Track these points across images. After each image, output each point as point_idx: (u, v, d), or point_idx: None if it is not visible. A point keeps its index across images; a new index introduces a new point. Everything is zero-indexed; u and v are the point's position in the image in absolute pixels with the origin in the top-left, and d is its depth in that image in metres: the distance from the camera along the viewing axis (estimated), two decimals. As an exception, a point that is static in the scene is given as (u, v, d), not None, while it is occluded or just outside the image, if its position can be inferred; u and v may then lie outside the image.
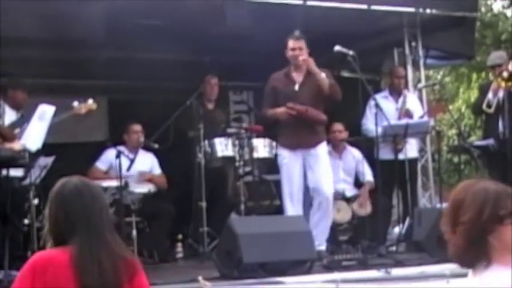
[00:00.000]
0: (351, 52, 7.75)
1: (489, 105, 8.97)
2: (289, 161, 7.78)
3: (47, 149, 7.31)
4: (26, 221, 7.10)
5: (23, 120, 7.49)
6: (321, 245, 7.49)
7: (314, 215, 7.68)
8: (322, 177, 7.68)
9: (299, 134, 7.68)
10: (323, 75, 7.63)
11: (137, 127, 8.63)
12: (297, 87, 7.80)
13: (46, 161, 7.25)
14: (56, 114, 7.40)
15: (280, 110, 7.69)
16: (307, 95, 7.73)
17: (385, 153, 8.90)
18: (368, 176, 9.02)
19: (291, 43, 7.77)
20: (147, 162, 8.62)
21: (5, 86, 7.81)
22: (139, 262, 3.24)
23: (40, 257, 3.11)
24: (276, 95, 7.85)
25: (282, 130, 7.84)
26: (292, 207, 7.68)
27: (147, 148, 8.54)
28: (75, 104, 7.62)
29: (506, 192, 2.81)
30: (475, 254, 2.79)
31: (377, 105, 8.04)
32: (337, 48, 7.77)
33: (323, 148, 7.82)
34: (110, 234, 3.17)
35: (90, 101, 7.71)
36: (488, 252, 2.77)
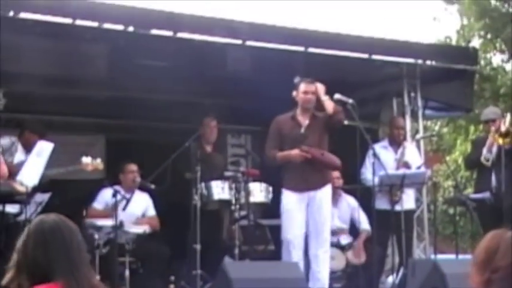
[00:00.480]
0: (350, 100, 7.80)
1: (486, 159, 9.02)
2: (294, 206, 7.72)
3: (43, 185, 7.30)
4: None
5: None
6: None
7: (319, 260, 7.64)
8: (325, 220, 7.68)
9: (307, 176, 7.67)
10: (326, 97, 7.69)
11: (133, 167, 8.62)
12: (303, 130, 7.83)
13: (42, 197, 7.25)
14: (63, 165, 7.45)
15: (294, 152, 7.69)
16: (313, 138, 7.75)
17: (381, 204, 8.91)
18: (364, 224, 9.01)
19: (303, 87, 7.81)
20: (142, 202, 8.60)
21: (23, 126, 7.92)
22: None
23: None
24: (281, 138, 7.87)
25: (289, 173, 7.81)
26: (293, 252, 7.62)
27: (143, 188, 8.53)
28: (84, 159, 7.62)
29: None
30: None
31: (374, 155, 8.07)
32: (337, 96, 7.82)
33: (328, 191, 7.81)
34: (88, 270, 3.18)
35: (99, 160, 7.71)
36: None
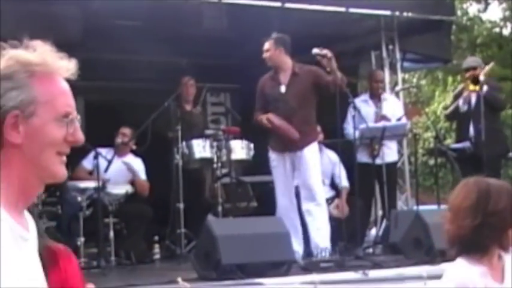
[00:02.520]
0: (329, 54, 7.72)
1: (457, 111, 9.14)
2: (278, 164, 7.78)
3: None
4: None
5: None
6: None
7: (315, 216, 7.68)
8: (310, 178, 7.69)
9: (284, 138, 7.67)
10: (333, 63, 7.62)
11: (123, 130, 8.55)
12: (283, 88, 7.78)
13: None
14: None
15: (262, 117, 7.69)
16: (293, 96, 7.71)
17: (363, 157, 8.95)
18: (344, 180, 9.03)
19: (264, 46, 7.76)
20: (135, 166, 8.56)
21: None
22: (65, 249, 3.29)
23: None
24: (264, 98, 7.85)
25: (271, 134, 7.84)
26: (287, 204, 7.70)
27: (137, 153, 8.50)
28: None
29: None
30: (491, 245, 2.94)
31: (355, 108, 8.06)
32: (315, 50, 7.76)
33: (310, 149, 7.79)
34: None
35: None
36: (501, 244, 2.94)
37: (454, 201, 3.01)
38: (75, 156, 8.49)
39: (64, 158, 1.94)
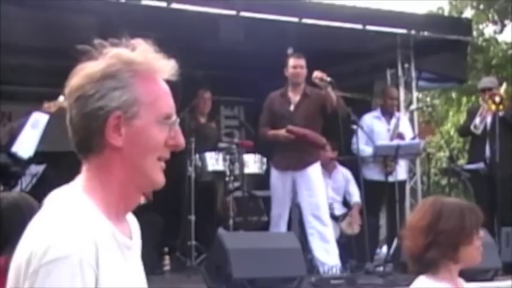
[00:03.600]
0: (329, 79, 7.64)
1: (476, 128, 9.06)
2: (277, 182, 7.82)
3: (38, 157, 7.28)
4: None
5: None
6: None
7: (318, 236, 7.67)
8: (316, 196, 7.69)
9: (289, 155, 7.67)
10: (328, 89, 7.61)
11: None
12: (292, 107, 7.80)
13: (37, 169, 7.23)
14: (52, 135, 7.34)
15: (281, 133, 7.68)
16: (302, 116, 7.72)
17: (374, 174, 8.95)
18: (355, 197, 9.02)
19: (292, 61, 7.76)
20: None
21: None
22: None
23: None
24: (272, 114, 7.85)
25: (275, 151, 7.86)
26: (276, 226, 7.76)
27: None
28: (45, 104, 7.43)
29: (474, 208, 3.18)
30: (444, 262, 3.07)
31: (356, 124, 7.94)
32: (317, 74, 7.66)
33: (315, 169, 7.80)
34: None
35: (61, 98, 7.16)
36: (455, 260, 3.08)
37: (411, 220, 3.17)
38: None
39: (163, 164, 1.85)
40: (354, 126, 7.80)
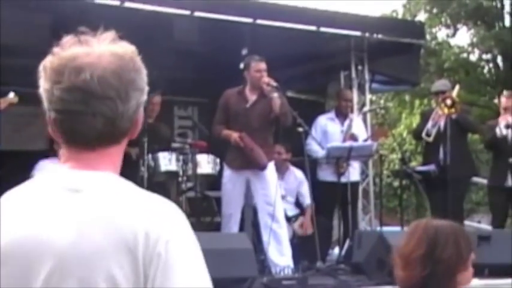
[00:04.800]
0: (274, 84, 7.64)
1: (428, 134, 9.14)
2: (230, 182, 7.82)
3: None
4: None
5: None
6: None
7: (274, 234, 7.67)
8: (271, 196, 7.69)
9: (243, 154, 7.68)
10: (275, 94, 7.63)
11: None
12: (248, 105, 7.81)
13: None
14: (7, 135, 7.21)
15: (234, 136, 7.68)
16: (257, 115, 7.74)
17: (327, 175, 9.00)
18: (307, 199, 9.02)
19: (256, 65, 7.74)
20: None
21: None
22: None
23: None
24: (227, 112, 7.86)
25: (230, 150, 7.85)
26: (229, 226, 7.76)
27: None
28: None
29: (464, 230, 3.11)
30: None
31: (300, 125, 7.92)
32: (265, 80, 7.68)
33: (270, 169, 7.81)
34: None
35: (11, 95, 7.10)
36: None
37: (404, 249, 3.01)
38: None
39: None
40: (300, 129, 7.80)
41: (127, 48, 1.79)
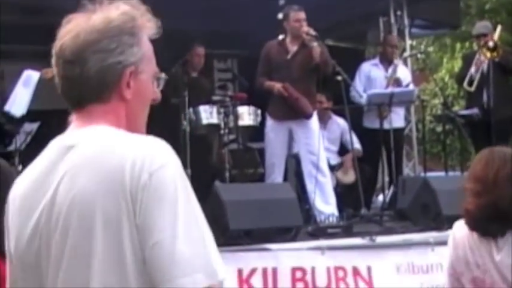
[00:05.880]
0: (314, 33, 7.58)
1: (471, 81, 9.02)
2: (272, 132, 7.84)
3: (31, 115, 7.27)
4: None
5: None
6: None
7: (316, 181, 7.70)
8: (315, 146, 7.70)
9: (286, 105, 7.68)
10: (315, 43, 7.59)
11: None
12: (289, 56, 7.79)
13: (31, 127, 7.22)
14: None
15: (277, 86, 7.69)
16: (298, 65, 7.72)
17: (370, 122, 8.96)
18: (356, 143, 8.97)
19: (295, 15, 7.71)
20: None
21: None
22: None
23: None
24: (269, 63, 7.85)
25: (273, 100, 7.86)
26: (272, 176, 7.78)
27: None
28: (43, 70, 7.43)
29: None
30: None
31: (338, 73, 7.83)
32: (305, 29, 7.63)
33: (314, 119, 7.82)
34: None
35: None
36: None
37: (483, 172, 2.98)
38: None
39: None
40: (339, 78, 7.73)
41: (115, 10, 1.86)
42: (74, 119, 1.88)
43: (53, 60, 1.88)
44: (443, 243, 6.25)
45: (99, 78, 1.82)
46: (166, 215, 1.69)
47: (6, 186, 3.30)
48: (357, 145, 8.97)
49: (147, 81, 1.90)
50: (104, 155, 1.75)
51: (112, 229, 1.69)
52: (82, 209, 1.72)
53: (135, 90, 1.86)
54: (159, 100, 1.96)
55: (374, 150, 8.96)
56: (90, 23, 1.82)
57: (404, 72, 9.38)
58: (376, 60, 9.45)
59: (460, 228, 3.07)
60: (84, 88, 1.83)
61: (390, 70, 9.18)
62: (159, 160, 1.73)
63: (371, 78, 9.13)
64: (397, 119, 9.10)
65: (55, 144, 1.85)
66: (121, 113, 1.86)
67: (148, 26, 1.90)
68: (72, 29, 1.83)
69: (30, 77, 7.15)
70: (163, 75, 1.99)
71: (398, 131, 9.24)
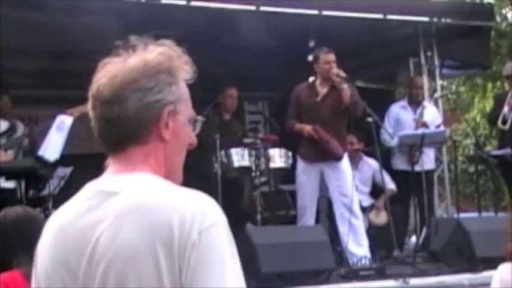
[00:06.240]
0: (343, 75, 7.62)
1: (504, 120, 8.97)
2: (304, 174, 7.84)
3: (64, 160, 7.34)
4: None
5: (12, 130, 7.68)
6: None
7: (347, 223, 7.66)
8: (348, 188, 7.68)
9: (317, 146, 7.69)
10: (345, 85, 7.62)
11: None
12: (319, 98, 7.82)
13: (64, 171, 7.29)
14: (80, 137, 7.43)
15: (307, 128, 7.72)
16: (328, 108, 7.75)
17: (400, 164, 8.94)
18: (390, 183, 8.93)
19: (325, 57, 7.76)
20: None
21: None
22: None
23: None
24: (299, 106, 7.88)
25: (303, 142, 7.88)
26: (304, 219, 7.77)
27: None
28: (68, 110, 7.51)
29: None
30: None
31: (369, 115, 7.82)
32: (335, 71, 7.68)
33: (343, 160, 7.81)
34: None
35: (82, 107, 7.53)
36: None
37: None
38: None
39: None
40: (370, 119, 7.73)
41: (152, 52, 1.84)
42: (111, 162, 1.85)
43: (90, 104, 1.85)
44: (478, 285, 6.21)
45: (137, 117, 1.79)
46: (214, 280, 1.66)
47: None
48: (391, 185, 8.94)
49: (184, 123, 1.87)
50: (151, 207, 1.70)
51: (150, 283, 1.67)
52: (123, 263, 1.68)
53: (173, 130, 1.83)
54: (195, 145, 1.94)
55: (404, 192, 8.91)
56: (126, 65, 1.81)
57: (433, 114, 9.35)
58: (405, 102, 9.45)
59: (507, 270, 3.08)
60: (122, 128, 1.80)
61: (418, 112, 9.16)
62: (209, 218, 1.70)
63: (400, 120, 9.13)
64: (427, 160, 9.07)
65: (93, 188, 1.81)
66: (160, 155, 1.83)
67: (185, 68, 1.88)
68: (109, 71, 1.82)
69: (64, 121, 7.23)
70: (200, 118, 1.95)
71: (429, 173, 9.20)
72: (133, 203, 1.73)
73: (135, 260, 1.67)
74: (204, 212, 1.70)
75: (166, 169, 1.84)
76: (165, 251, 1.66)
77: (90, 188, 1.82)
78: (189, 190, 1.76)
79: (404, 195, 9.05)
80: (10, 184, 7.52)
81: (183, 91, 1.87)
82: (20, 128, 7.96)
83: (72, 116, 7.35)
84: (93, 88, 1.84)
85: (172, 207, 1.69)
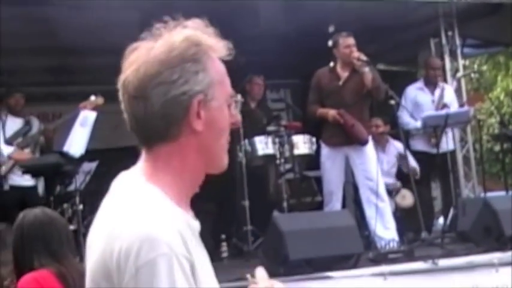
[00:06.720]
0: (365, 58, 7.58)
1: None
2: (329, 160, 7.83)
3: (89, 155, 7.38)
4: (72, 227, 7.17)
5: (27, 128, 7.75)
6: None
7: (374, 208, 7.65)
8: (372, 172, 7.67)
9: (341, 131, 7.68)
10: (366, 68, 7.60)
11: None
12: (341, 82, 7.80)
13: (90, 166, 7.34)
14: (102, 132, 7.50)
15: (332, 113, 7.70)
16: (350, 91, 7.73)
17: (420, 145, 8.92)
18: (413, 162, 8.85)
19: (345, 41, 7.74)
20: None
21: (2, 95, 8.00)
22: None
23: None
24: (321, 91, 7.87)
25: (326, 127, 7.86)
26: (331, 205, 7.78)
27: None
28: (80, 104, 7.48)
29: None
30: None
31: (392, 98, 7.78)
32: (355, 55, 7.65)
33: (370, 144, 7.80)
34: (73, 257, 3.55)
35: (92, 98, 7.46)
36: None
37: None
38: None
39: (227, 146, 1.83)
40: (392, 102, 7.71)
41: (177, 37, 1.75)
42: (142, 158, 1.79)
43: (120, 94, 1.77)
44: (508, 264, 6.20)
45: (163, 113, 1.69)
46: None
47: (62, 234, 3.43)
48: (414, 164, 8.85)
49: (220, 107, 1.76)
50: (108, 233, 1.66)
51: None
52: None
53: (206, 120, 1.72)
54: (238, 124, 1.87)
55: (425, 173, 8.87)
56: (151, 53, 1.72)
57: (451, 94, 9.29)
58: (421, 84, 9.37)
59: None
60: (149, 126, 1.71)
61: (437, 94, 9.10)
62: (149, 254, 1.57)
63: (418, 103, 9.06)
64: (447, 141, 8.99)
65: (117, 188, 1.78)
66: (189, 150, 1.73)
67: (216, 47, 1.78)
68: (134, 61, 1.74)
69: (87, 117, 7.27)
70: (239, 96, 1.89)
71: (451, 153, 9.17)
72: (105, 215, 1.72)
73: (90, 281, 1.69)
74: (146, 246, 1.57)
75: (202, 159, 1.76)
76: (108, 282, 1.63)
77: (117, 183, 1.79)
78: (144, 213, 1.64)
79: (426, 177, 9.01)
80: (30, 182, 7.59)
81: (215, 73, 1.76)
82: (35, 125, 7.99)
83: (86, 109, 7.38)
84: (121, 79, 1.76)
85: (120, 236, 1.61)
